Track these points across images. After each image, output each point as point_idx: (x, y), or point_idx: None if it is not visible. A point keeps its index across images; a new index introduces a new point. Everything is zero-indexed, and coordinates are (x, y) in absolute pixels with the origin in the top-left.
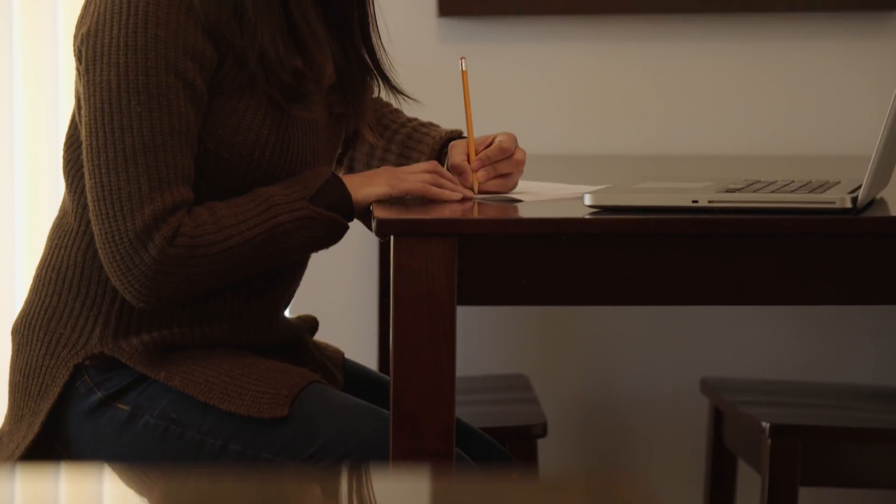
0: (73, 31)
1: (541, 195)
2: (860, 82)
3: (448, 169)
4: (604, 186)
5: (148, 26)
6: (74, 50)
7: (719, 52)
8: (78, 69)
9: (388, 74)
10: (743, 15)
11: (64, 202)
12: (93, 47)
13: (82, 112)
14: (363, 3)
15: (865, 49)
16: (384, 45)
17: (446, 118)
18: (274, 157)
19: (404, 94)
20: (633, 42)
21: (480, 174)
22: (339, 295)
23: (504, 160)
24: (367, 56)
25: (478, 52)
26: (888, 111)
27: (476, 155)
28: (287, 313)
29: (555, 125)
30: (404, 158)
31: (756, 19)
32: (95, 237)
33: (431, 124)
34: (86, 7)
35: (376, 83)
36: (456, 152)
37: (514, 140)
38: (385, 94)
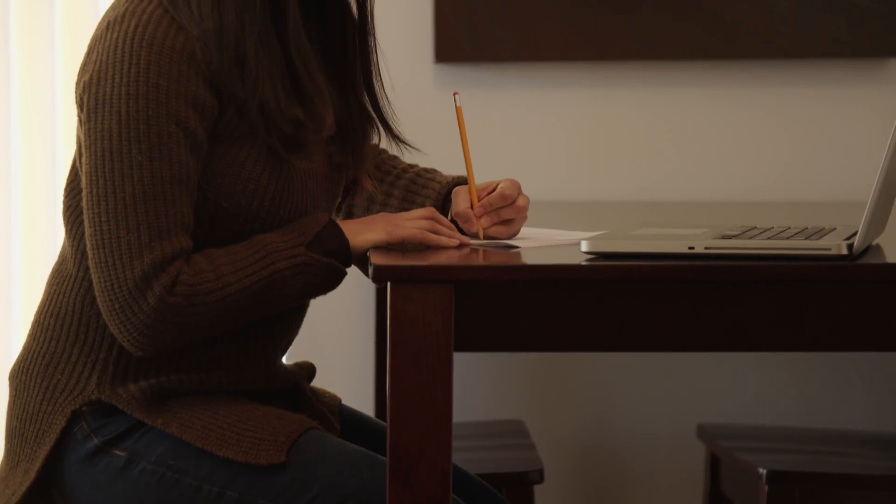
0: (72, 76)
1: (538, 241)
2: (856, 129)
3: (452, 215)
4: (600, 232)
5: (150, 75)
6: (76, 97)
7: (715, 98)
8: (79, 116)
9: (391, 123)
10: (738, 62)
11: (63, 248)
12: (94, 95)
13: (83, 159)
14: (367, 52)
15: (861, 96)
16: (387, 93)
17: (443, 164)
18: (273, 207)
19: (406, 143)
20: (630, 88)
21: (483, 220)
22: (336, 341)
23: (506, 206)
24: (369, 105)
25: (474, 98)
26: (883, 158)
27: (479, 201)
28: (284, 360)
29: (551, 171)
30: (408, 203)
31: (751, 66)
32: (94, 285)
33: (434, 170)
34: (88, 55)
35: (377, 131)
36: (460, 199)
37: (517, 187)
38: (386, 142)
